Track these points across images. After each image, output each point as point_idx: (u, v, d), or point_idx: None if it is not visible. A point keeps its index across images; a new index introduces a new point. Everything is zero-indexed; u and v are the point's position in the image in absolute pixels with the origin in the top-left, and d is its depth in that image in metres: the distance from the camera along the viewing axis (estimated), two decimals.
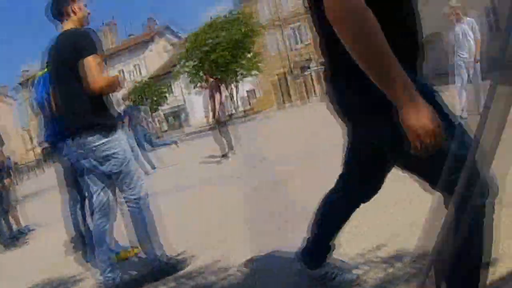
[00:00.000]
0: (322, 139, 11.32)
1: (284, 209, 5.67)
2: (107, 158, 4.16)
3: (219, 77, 33.94)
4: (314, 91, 58.29)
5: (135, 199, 4.28)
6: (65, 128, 4.31)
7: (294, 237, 4.12)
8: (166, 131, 64.35)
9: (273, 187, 7.42)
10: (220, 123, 13.73)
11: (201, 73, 42.38)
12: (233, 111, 45.96)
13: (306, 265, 3.21)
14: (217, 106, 13.46)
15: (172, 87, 68.34)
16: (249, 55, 45.96)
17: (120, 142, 4.24)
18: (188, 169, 13.50)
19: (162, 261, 4.37)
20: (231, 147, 13.59)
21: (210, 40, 42.44)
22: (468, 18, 10.38)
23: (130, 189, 4.30)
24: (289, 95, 60.77)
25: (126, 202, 4.34)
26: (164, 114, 70.01)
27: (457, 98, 10.34)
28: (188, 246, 4.93)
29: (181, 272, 4.29)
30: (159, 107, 62.78)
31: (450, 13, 10.41)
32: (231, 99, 46.80)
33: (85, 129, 4.07)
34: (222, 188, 8.82)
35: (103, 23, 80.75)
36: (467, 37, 10.26)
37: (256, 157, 12.14)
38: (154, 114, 57.75)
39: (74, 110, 4.10)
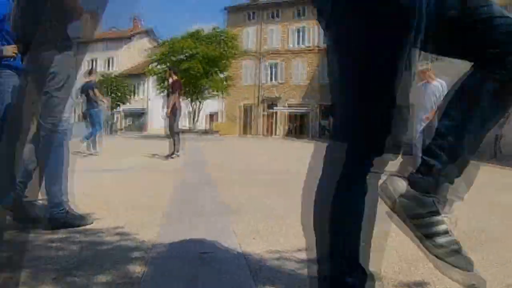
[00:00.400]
0: (266, 166, 11.68)
1: (205, 204, 5.72)
2: (49, 75, 3.96)
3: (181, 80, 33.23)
4: (276, 129, 58.70)
5: (51, 128, 4.04)
6: (21, 44, 4.17)
7: (205, 228, 4.13)
8: (121, 129, 64.02)
9: (200, 186, 7.55)
10: (171, 122, 13.73)
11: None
12: (192, 127, 45.91)
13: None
14: (171, 104, 13.47)
15: (138, 89, 68.09)
16: (221, 76, 45.87)
17: (65, 63, 4.06)
18: (129, 158, 13.45)
19: (62, 210, 4.09)
20: (177, 149, 13.52)
21: (187, 49, 42.03)
22: (436, 82, 10.29)
23: (51, 116, 4.03)
24: (250, 127, 61.00)
25: (42, 130, 4.06)
26: (124, 113, 69.54)
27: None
28: (99, 212, 4.80)
29: (77, 228, 4.05)
30: (121, 105, 62.22)
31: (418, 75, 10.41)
32: (193, 115, 46.61)
33: (40, 43, 3.91)
34: (153, 176, 9.05)
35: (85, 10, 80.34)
36: (429, 100, 10.24)
37: (197, 163, 12.28)
38: (114, 110, 57.39)
39: (37, 25, 3.90)
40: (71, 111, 4.27)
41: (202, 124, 56.08)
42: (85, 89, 14.18)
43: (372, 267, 3.11)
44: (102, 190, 6.70)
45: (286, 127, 59.67)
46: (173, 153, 13.38)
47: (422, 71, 10.27)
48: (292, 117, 59.83)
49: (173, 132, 13.81)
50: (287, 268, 3.09)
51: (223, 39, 45.86)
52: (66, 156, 4.21)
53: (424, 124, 10.31)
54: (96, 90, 14.57)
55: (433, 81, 10.22)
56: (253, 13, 62.37)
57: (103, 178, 8.33)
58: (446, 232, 1.97)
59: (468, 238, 4.13)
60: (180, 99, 14.02)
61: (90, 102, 14.39)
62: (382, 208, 5.71)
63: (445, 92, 10.06)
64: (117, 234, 3.87)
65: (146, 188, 7.15)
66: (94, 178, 8.21)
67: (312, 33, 58.35)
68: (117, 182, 7.86)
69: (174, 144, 13.56)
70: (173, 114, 13.63)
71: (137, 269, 2.88)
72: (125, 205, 5.37)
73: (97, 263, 2.97)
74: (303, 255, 3.34)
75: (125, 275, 2.74)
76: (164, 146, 14.94)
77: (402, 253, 3.53)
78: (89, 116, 14.42)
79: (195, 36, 44.67)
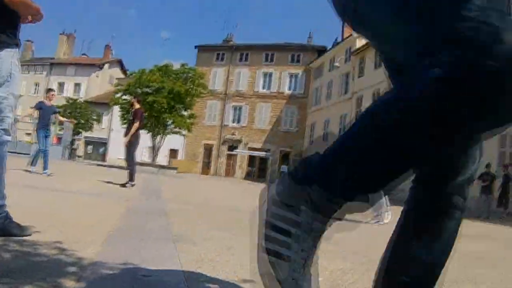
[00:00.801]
0: (220, 202, 11.66)
1: (153, 230, 5.61)
2: None
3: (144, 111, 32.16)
4: (234, 171, 58.83)
5: None
6: None
7: (149, 253, 4.01)
8: (81, 156, 63.58)
9: (151, 214, 7.45)
10: (128, 150, 13.63)
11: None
12: (152, 162, 45.34)
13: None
14: (131, 132, 13.38)
15: (102, 118, 67.79)
16: (185, 113, 45.57)
17: (6, 60, 3.89)
18: (82, 182, 13.28)
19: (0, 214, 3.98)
20: (131, 179, 13.34)
21: (154, 83, 41.70)
22: None
23: None
24: (209, 167, 61.10)
25: None
26: (85, 141, 69.16)
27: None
28: (41, 226, 4.64)
29: (15, 238, 3.88)
30: (83, 132, 61.81)
31: None
32: (153, 150, 46.02)
33: None
34: (104, 200, 8.95)
35: (63, 32, 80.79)
36: None
37: (152, 193, 12.18)
38: (75, 136, 56.99)
39: None
40: (13, 111, 4.08)
41: (162, 159, 55.67)
42: (35, 106, 14.39)
43: None
44: (48, 207, 6.59)
45: (246, 170, 59.89)
46: (127, 182, 13.20)
47: None
48: (252, 160, 60.11)
49: (129, 161, 13.69)
50: None
51: (190, 77, 45.69)
52: (5, 158, 4.06)
53: None
54: (32, 110, 14.68)
55: None
56: (223, 54, 63.08)
57: (53, 196, 8.28)
58: None
59: None
60: (140, 131, 13.92)
61: (47, 122, 14.49)
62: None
63: None
64: (55, 248, 3.72)
65: (94, 210, 7.13)
66: (42, 195, 8.22)
67: (279, 78, 59.10)
68: (66, 202, 7.83)
69: (130, 174, 13.40)
70: (131, 143, 13.54)
71: (68, 283, 2.74)
72: (69, 223, 5.24)
73: (27, 274, 2.82)
74: (247, 286, 3.32)
75: None
76: (121, 175, 14.79)
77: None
78: (41, 135, 14.51)
79: (163, 70, 44.45)
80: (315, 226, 1.64)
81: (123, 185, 13.10)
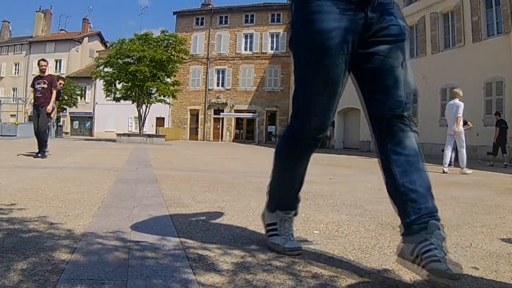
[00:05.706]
0: (211, 166, 11.61)
1: (144, 197, 5.57)
2: None
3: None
4: (222, 135, 58.70)
5: None
6: None
7: (142, 219, 3.99)
8: (67, 133, 63.21)
9: (141, 182, 7.40)
10: (48, 118, 13.23)
11: (116, 83, 41.84)
12: (139, 132, 44.81)
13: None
14: (53, 99, 13.02)
15: (86, 93, 67.33)
16: (168, 80, 44.86)
17: None
18: (69, 158, 13.14)
19: None
20: (41, 148, 12.98)
21: (134, 52, 40.86)
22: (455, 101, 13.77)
23: None
24: (197, 132, 60.94)
25: None
26: (71, 117, 68.70)
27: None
28: (29, 203, 4.67)
29: (3, 216, 3.92)
30: (68, 108, 61.23)
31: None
32: (140, 119, 45.39)
33: None
34: (93, 173, 8.85)
35: (39, 9, 79.70)
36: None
37: (140, 163, 12.13)
38: (60, 113, 56.53)
39: None
40: None
41: (149, 128, 55.29)
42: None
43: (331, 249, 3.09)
44: (36, 184, 6.50)
45: (234, 132, 59.91)
46: (37, 153, 12.84)
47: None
48: (239, 123, 60.16)
49: (47, 130, 13.32)
50: (228, 257, 2.95)
51: (171, 43, 44.93)
52: None
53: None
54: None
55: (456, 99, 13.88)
56: (202, 18, 61.96)
57: (39, 174, 8.10)
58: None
59: None
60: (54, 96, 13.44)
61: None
62: (342, 199, 5.67)
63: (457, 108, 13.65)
64: (46, 223, 3.74)
65: (83, 183, 6.92)
66: (28, 173, 8.13)
67: (261, 39, 58.70)
68: (53, 178, 7.56)
69: (40, 143, 12.98)
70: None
71: (62, 257, 2.74)
72: (58, 197, 5.22)
73: (19, 251, 2.83)
74: (245, 245, 3.30)
75: (48, 263, 2.60)
76: (109, 148, 14.67)
77: (355, 242, 3.58)
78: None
79: (143, 39, 43.66)
80: (287, 219, 3.21)
81: (36, 156, 12.73)
